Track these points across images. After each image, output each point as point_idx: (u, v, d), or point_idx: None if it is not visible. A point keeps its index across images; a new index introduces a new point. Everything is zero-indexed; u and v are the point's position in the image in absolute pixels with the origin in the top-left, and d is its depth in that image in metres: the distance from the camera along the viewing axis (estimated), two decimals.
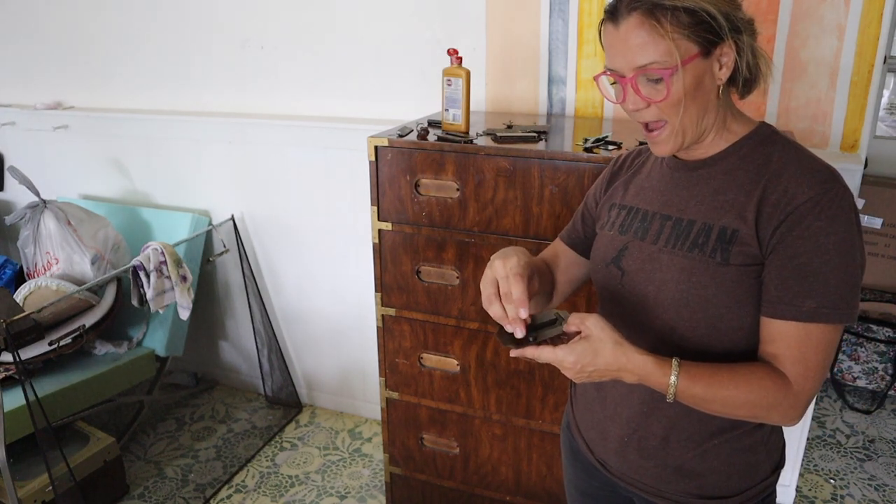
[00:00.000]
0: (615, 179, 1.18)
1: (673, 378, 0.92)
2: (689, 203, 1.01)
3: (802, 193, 0.90)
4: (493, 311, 0.98)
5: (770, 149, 0.98)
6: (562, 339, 0.95)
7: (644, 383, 0.95)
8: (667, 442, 1.05)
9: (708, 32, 0.91)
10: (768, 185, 0.94)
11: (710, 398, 0.93)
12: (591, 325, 0.93)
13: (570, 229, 1.27)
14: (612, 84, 0.98)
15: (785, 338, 0.92)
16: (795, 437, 2.05)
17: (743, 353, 0.98)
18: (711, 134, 1.00)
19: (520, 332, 0.95)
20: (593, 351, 0.92)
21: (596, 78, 1.01)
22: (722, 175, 0.99)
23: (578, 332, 0.95)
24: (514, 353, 0.97)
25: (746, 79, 0.99)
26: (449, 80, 1.76)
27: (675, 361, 0.93)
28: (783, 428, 1.11)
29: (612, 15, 0.94)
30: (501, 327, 0.97)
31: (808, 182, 0.91)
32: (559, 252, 1.26)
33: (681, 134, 0.96)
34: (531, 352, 0.95)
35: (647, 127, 0.98)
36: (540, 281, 1.12)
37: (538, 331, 0.97)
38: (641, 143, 1.21)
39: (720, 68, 0.95)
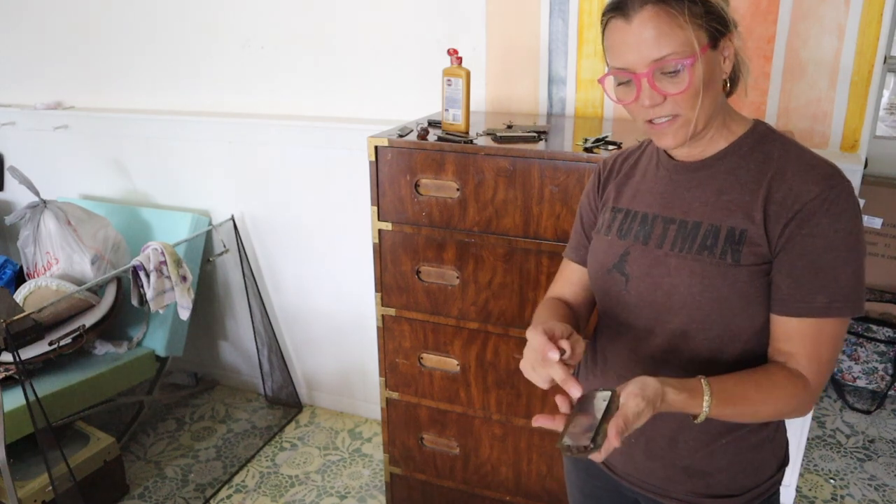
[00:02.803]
0: (607, 184, 1.15)
1: (705, 409, 0.89)
2: (692, 205, 1.00)
3: (809, 191, 0.91)
4: (555, 373, 0.90)
5: (769, 146, 0.98)
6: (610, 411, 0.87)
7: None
8: (674, 443, 1.05)
9: (716, 23, 0.91)
10: (772, 184, 0.94)
11: (741, 415, 0.94)
12: (642, 411, 0.84)
13: (575, 247, 1.21)
14: (619, 84, 0.96)
15: (799, 335, 0.93)
16: (795, 437, 2.05)
17: (755, 352, 0.98)
18: (712, 131, 0.99)
19: (576, 391, 0.89)
20: (648, 418, 0.86)
21: (601, 80, 0.99)
22: (724, 175, 0.99)
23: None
24: (597, 457, 0.85)
25: (733, 78, 0.99)
26: (449, 80, 1.76)
27: (706, 388, 0.89)
28: (786, 426, 1.12)
29: (620, 10, 0.91)
30: (567, 443, 0.84)
31: (813, 179, 0.91)
32: (574, 278, 1.20)
33: (692, 125, 0.94)
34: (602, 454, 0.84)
35: (653, 120, 0.95)
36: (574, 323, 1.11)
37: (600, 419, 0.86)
38: (641, 142, 1.20)
39: (724, 61, 0.95)
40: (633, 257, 1.04)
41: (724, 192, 0.98)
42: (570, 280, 1.21)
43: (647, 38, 0.89)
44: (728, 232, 0.96)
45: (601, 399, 0.87)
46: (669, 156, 1.05)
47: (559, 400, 0.91)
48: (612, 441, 0.81)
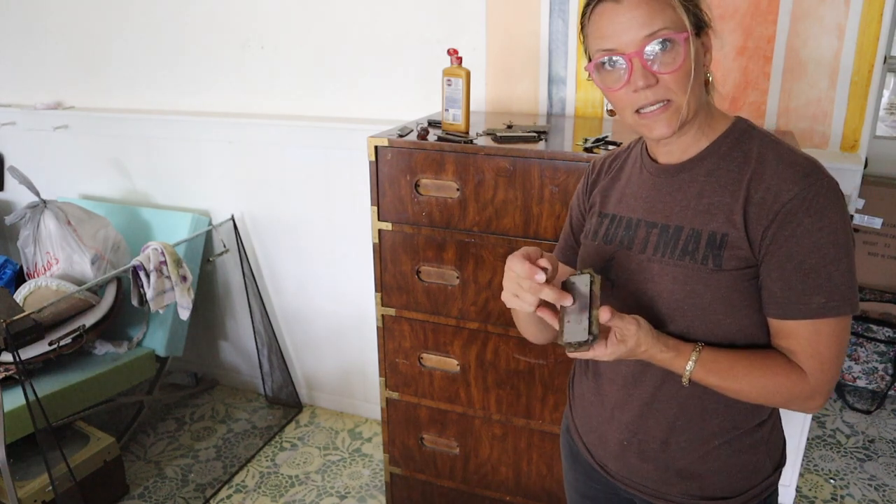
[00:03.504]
0: (594, 187, 1.15)
1: (688, 368, 0.95)
2: (673, 209, 0.99)
3: (788, 190, 0.89)
4: (547, 295, 0.93)
5: (749, 145, 0.96)
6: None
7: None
8: (667, 445, 1.05)
9: (699, 10, 0.92)
10: (751, 184, 0.93)
11: (725, 388, 0.96)
12: (630, 336, 0.92)
13: (562, 248, 1.23)
14: (607, 71, 0.93)
15: (797, 335, 0.93)
16: (795, 437, 2.05)
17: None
18: (695, 128, 0.98)
19: (569, 301, 0.93)
20: (630, 353, 0.93)
21: (588, 67, 0.96)
22: (704, 177, 0.98)
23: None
24: (585, 355, 0.93)
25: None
26: (449, 80, 1.76)
27: (695, 354, 0.95)
28: (783, 426, 1.11)
29: None
30: (568, 340, 0.92)
31: (792, 177, 0.90)
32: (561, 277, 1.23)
33: (684, 111, 0.92)
34: (590, 354, 0.93)
35: (643, 109, 0.93)
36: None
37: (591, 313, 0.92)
38: (629, 144, 1.18)
39: (705, 54, 0.95)
40: (617, 262, 1.04)
41: (705, 194, 0.97)
42: (557, 279, 1.21)
43: (638, 15, 0.88)
44: (709, 236, 0.95)
45: (583, 285, 0.94)
46: (652, 159, 1.04)
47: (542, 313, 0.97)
48: (605, 316, 0.89)
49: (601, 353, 0.92)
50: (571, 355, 0.93)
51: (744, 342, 0.97)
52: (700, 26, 0.93)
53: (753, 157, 0.95)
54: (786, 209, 0.89)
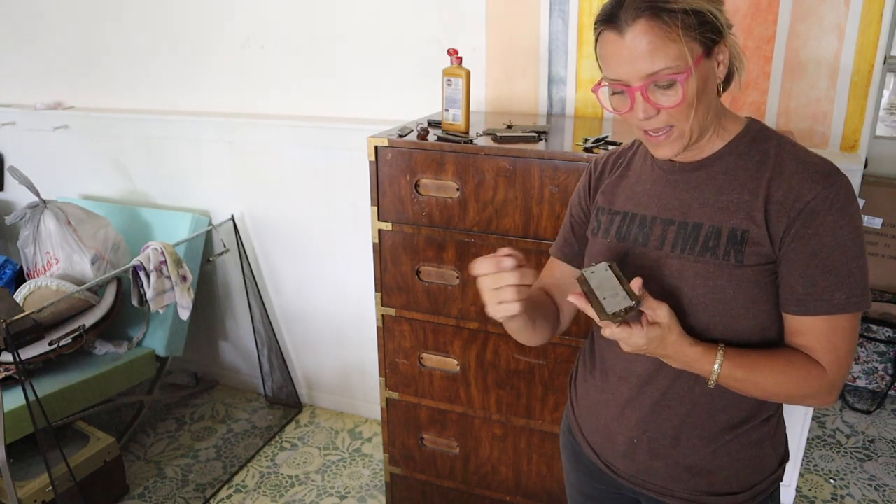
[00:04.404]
0: (599, 184, 1.15)
1: (717, 366, 0.95)
2: (691, 206, 1.00)
3: (810, 190, 0.91)
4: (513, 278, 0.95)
5: (765, 145, 0.98)
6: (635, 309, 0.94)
7: (686, 369, 0.98)
8: (678, 441, 1.05)
9: (711, 32, 0.90)
10: (772, 183, 0.94)
11: (750, 384, 0.96)
12: (663, 317, 0.92)
13: (561, 245, 1.22)
14: (613, 94, 0.96)
15: (814, 331, 0.94)
16: (795, 437, 2.05)
17: (757, 346, 0.99)
18: (709, 133, 0.99)
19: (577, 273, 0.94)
20: (661, 339, 0.93)
21: (594, 90, 0.98)
22: (722, 175, 0.99)
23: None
24: (620, 335, 0.94)
25: (727, 75, 0.99)
26: (449, 80, 1.76)
27: (720, 352, 0.95)
28: (785, 423, 1.12)
29: (611, 23, 0.90)
30: (613, 310, 0.91)
31: (812, 177, 0.92)
32: (557, 273, 1.22)
33: (687, 136, 0.95)
34: (626, 333, 0.94)
35: (650, 131, 0.96)
36: (540, 311, 1.12)
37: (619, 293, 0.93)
38: (633, 141, 1.19)
39: (718, 66, 0.95)
40: (632, 259, 1.04)
41: (723, 192, 0.98)
42: (552, 276, 1.22)
43: (640, 52, 0.88)
44: (730, 233, 0.96)
45: (603, 270, 0.94)
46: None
47: (575, 299, 0.95)
48: (637, 283, 0.90)
49: (637, 332, 0.92)
50: (613, 332, 0.92)
51: (759, 338, 0.99)
52: (712, 44, 0.91)
53: (771, 157, 0.96)
54: (809, 207, 0.91)
